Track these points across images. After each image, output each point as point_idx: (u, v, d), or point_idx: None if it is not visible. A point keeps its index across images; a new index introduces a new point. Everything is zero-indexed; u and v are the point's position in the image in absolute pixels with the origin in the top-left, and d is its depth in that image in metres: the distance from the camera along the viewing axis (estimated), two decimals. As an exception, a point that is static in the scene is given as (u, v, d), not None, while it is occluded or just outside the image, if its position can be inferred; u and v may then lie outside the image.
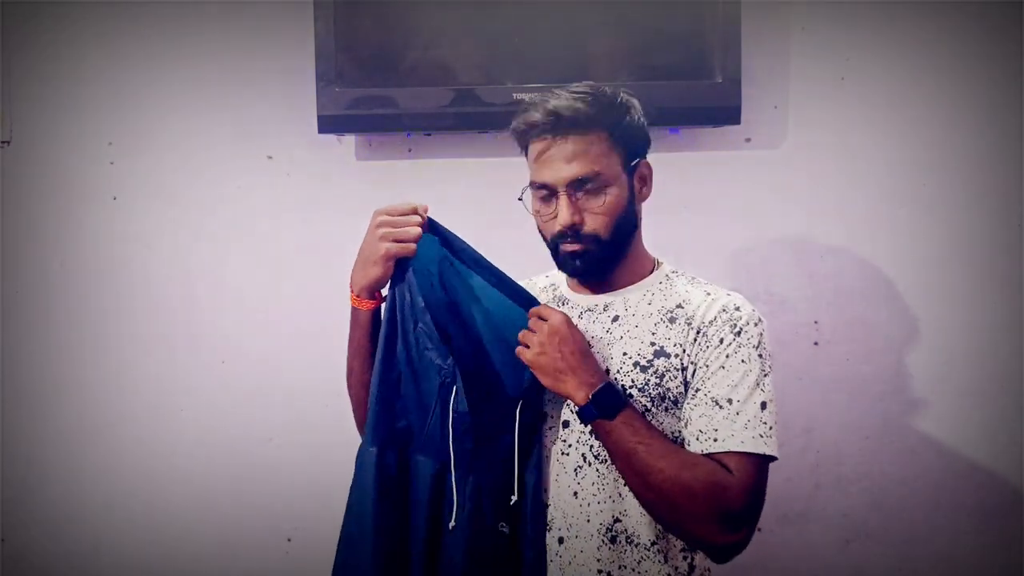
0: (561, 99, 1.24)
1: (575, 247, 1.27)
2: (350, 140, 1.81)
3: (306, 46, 1.69)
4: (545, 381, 1.22)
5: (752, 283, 1.80)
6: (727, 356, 1.22)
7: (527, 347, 1.24)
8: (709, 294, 1.30)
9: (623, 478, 1.22)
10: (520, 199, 1.31)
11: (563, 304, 1.37)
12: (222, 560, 1.84)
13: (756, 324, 1.25)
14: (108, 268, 1.82)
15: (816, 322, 1.80)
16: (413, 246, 1.25)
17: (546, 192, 1.27)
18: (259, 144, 1.81)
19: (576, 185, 1.24)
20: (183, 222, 1.82)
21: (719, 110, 1.69)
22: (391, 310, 1.27)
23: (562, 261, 1.30)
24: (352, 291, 1.30)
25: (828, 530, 1.81)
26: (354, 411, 1.38)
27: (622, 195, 1.27)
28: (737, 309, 1.26)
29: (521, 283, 1.44)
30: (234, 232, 1.82)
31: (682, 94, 1.67)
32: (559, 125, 1.23)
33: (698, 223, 1.79)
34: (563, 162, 1.24)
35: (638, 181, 1.31)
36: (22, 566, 1.83)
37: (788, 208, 1.80)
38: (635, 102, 1.30)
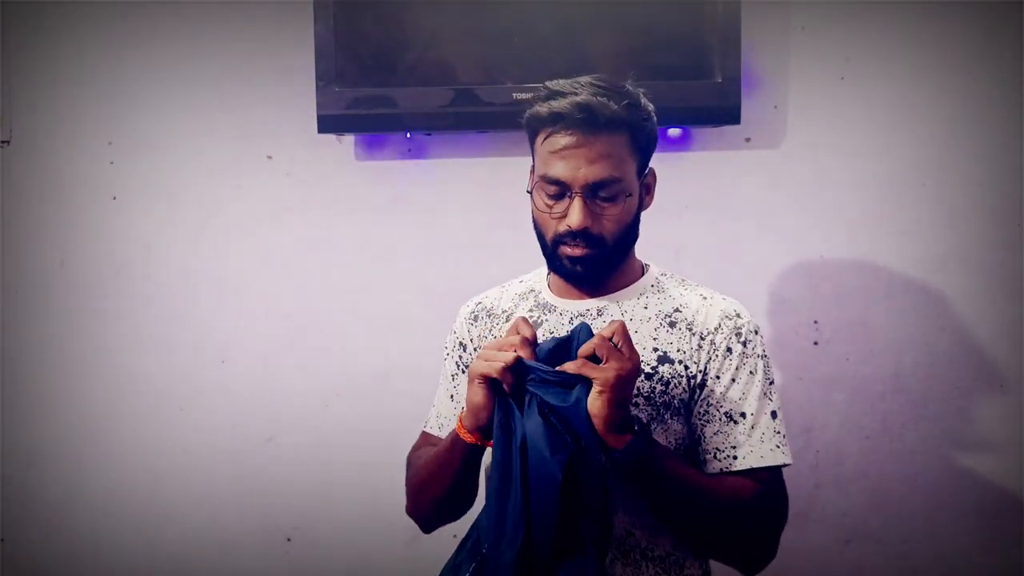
0: (591, 93, 1.15)
1: (579, 251, 1.19)
2: (350, 140, 1.81)
3: (306, 46, 1.69)
4: (614, 413, 1.06)
5: (752, 283, 1.80)
6: (736, 368, 1.20)
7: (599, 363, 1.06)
8: (705, 298, 1.27)
9: (666, 514, 1.17)
10: (529, 191, 1.24)
11: (550, 311, 1.28)
12: (222, 560, 1.84)
13: (757, 332, 1.24)
14: (108, 268, 1.82)
15: (816, 322, 1.80)
16: (500, 365, 1.08)
17: (558, 189, 1.18)
18: (259, 144, 1.81)
19: (593, 188, 1.17)
20: (183, 222, 1.82)
21: (719, 110, 1.69)
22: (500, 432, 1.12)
23: (559, 263, 1.22)
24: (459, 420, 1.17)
25: (828, 530, 1.81)
26: (415, 510, 1.30)
27: (634, 203, 1.21)
28: (738, 316, 1.24)
29: (492, 291, 1.37)
30: (234, 232, 1.82)
31: (682, 94, 1.67)
32: (589, 123, 1.15)
33: (698, 223, 1.79)
34: (586, 161, 1.16)
35: (644, 190, 1.25)
36: (22, 566, 1.83)
37: (788, 208, 1.80)
38: (651, 105, 1.23)
